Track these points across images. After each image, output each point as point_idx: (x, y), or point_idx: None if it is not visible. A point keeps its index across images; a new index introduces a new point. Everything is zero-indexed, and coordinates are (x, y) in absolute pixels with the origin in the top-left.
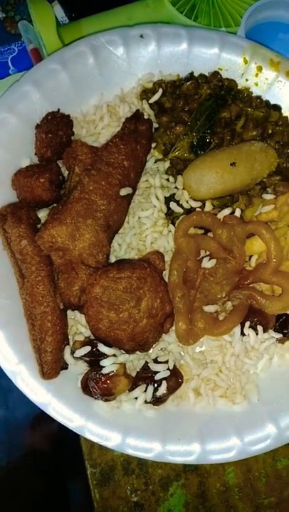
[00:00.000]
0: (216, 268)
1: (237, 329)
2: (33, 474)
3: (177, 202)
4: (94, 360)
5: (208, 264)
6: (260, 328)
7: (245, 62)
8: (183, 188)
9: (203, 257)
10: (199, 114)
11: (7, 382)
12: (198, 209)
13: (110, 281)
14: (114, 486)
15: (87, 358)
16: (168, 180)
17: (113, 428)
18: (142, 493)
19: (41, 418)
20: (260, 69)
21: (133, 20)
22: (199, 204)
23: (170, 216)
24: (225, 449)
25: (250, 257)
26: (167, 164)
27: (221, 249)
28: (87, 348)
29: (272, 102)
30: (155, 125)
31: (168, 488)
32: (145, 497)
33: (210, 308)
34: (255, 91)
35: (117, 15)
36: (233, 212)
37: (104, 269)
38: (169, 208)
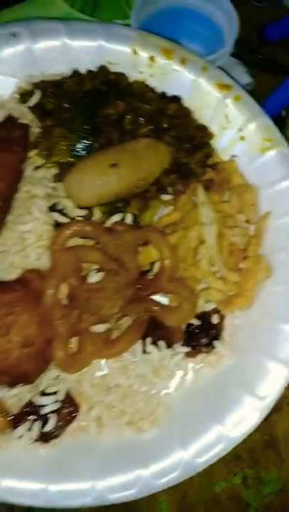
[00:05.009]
0: (104, 282)
1: (138, 346)
2: None
3: (60, 211)
4: None
5: (94, 278)
6: (161, 343)
7: (135, 52)
8: (66, 196)
9: (92, 271)
10: (75, 113)
11: None
12: (81, 218)
13: None
14: None
15: None
16: (54, 188)
17: None
18: None
19: None
20: (152, 59)
21: None
22: (86, 212)
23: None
24: (125, 484)
25: (153, 264)
26: (54, 171)
27: (107, 260)
28: None
29: (172, 93)
30: (37, 129)
31: None
32: None
33: (97, 328)
34: (152, 83)
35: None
36: (124, 218)
37: None
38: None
